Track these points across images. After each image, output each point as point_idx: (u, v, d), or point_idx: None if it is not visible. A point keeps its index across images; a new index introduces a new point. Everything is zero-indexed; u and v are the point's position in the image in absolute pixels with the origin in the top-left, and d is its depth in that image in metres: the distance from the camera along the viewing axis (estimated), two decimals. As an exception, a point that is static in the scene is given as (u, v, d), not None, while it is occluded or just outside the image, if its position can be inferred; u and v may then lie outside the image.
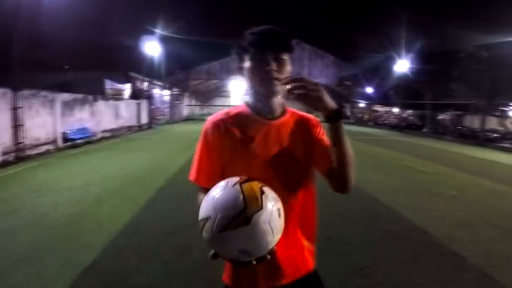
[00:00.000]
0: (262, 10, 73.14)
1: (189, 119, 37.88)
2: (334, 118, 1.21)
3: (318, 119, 1.44)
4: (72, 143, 13.38)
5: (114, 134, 18.17)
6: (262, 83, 1.26)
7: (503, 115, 27.95)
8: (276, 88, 1.25)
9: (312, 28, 72.97)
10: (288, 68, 1.29)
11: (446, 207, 6.23)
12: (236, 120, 1.35)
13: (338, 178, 1.29)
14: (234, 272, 1.38)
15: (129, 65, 26.65)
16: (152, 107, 25.67)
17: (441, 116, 30.74)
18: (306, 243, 1.43)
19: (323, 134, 1.39)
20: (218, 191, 1.07)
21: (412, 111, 36.47)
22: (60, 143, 12.91)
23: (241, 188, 1.05)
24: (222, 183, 1.10)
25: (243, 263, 1.05)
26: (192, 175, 1.39)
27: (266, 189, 1.08)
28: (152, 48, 27.59)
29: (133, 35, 27.55)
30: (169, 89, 33.01)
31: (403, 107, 33.19)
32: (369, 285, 3.45)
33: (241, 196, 1.02)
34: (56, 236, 4.48)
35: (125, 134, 19.12)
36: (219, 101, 54.97)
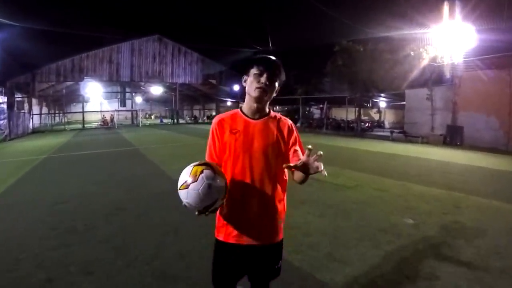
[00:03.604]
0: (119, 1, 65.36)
1: (38, 131, 30.44)
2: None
3: (293, 124, 1.99)
4: None
5: None
6: (255, 91, 1.81)
7: (373, 106, 28.53)
8: (263, 97, 1.83)
9: (175, 22, 67.31)
10: (276, 88, 1.87)
11: (439, 261, 3.51)
12: (231, 119, 1.92)
13: (298, 183, 1.79)
14: (226, 230, 1.89)
15: None
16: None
17: (315, 110, 30.31)
18: (278, 219, 1.94)
19: (296, 142, 1.93)
20: (186, 168, 1.69)
21: (280, 107, 35.66)
22: None
23: (192, 168, 1.66)
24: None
25: (193, 211, 1.65)
26: (206, 159, 1.94)
27: (206, 170, 1.63)
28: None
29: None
30: (7, 94, 25.97)
31: (273, 103, 31.89)
32: None
33: (189, 172, 1.64)
34: None
35: None
36: (75, 107, 47.60)
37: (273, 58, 1.89)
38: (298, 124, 27.81)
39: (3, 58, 25.19)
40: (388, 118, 31.46)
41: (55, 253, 4.02)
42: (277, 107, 35.98)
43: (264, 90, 1.80)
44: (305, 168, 1.60)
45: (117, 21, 57.10)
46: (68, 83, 37.43)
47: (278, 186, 1.91)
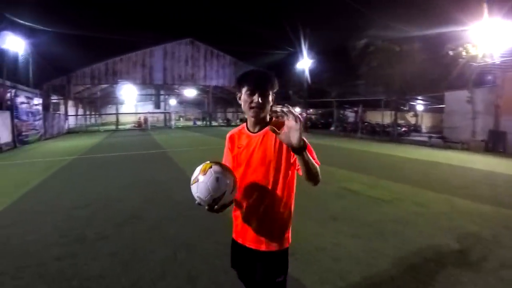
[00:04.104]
0: (149, 4, 65.69)
1: (73, 132, 31.25)
2: (299, 151, 1.58)
3: None
4: None
5: None
6: (250, 110, 1.86)
7: (409, 110, 27.25)
8: (259, 115, 1.86)
9: (207, 24, 66.94)
10: (270, 100, 1.87)
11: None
12: (238, 135, 2.04)
13: (308, 180, 1.72)
14: (236, 230, 2.03)
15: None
16: (16, 120, 19.70)
17: (349, 113, 29.27)
18: (277, 228, 1.91)
19: None
20: (198, 166, 1.78)
21: (313, 110, 34.83)
22: None
23: (202, 165, 1.74)
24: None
25: (204, 206, 1.70)
26: None
27: (215, 166, 1.72)
28: (14, 44, 21.41)
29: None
30: (43, 96, 26.57)
31: (306, 106, 31.00)
32: None
33: (199, 168, 1.73)
34: None
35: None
36: (111, 109, 48.46)
37: (263, 72, 1.92)
38: (332, 128, 26.91)
39: (38, 62, 25.94)
40: (425, 122, 30.08)
41: (59, 264, 3.76)
42: (311, 110, 35.16)
43: (259, 108, 1.84)
44: (288, 136, 1.57)
45: (150, 25, 57.71)
46: (103, 85, 38.19)
47: (281, 195, 1.90)
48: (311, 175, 1.68)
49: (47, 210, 5.91)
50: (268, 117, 1.94)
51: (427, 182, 7.95)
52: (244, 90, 1.86)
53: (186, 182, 6.14)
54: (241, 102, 1.91)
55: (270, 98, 1.87)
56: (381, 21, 20.31)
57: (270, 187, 1.87)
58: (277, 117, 1.89)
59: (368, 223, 5.08)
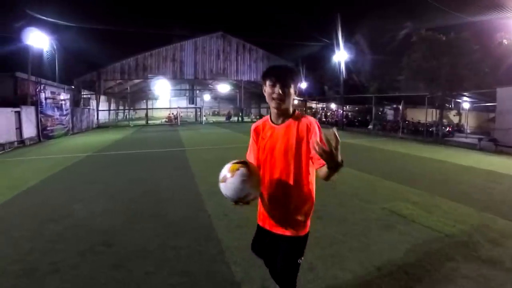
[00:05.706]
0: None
1: (103, 127, 31.17)
2: (334, 169, 1.71)
3: (313, 122, 2.04)
4: None
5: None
6: (272, 101, 2.03)
7: (453, 107, 25.02)
8: (281, 106, 2.02)
9: (239, 17, 65.61)
10: (292, 93, 2.04)
11: None
12: (262, 126, 2.20)
13: (322, 178, 1.92)
14: (263, 218, 2.20)
15: (12, 63, 20.59)
16: (41, 115, 19.46)
17: (388, 111, 27.30)
18: (300, 215, 2.07)
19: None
20: (227, 164, 1.95)
21: (350, 106, 33.19)
22: None
23: (231, 164, 1.90)
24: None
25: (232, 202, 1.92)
26: (247, 156, 2.30)
27: (242, 168, 1.86)
28: (39, 40, 21.25)
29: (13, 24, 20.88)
30: (73, 91, 26.50)
31: (343, 102, 29.24)
32: None
33: (229, 168, 1.88)
34: None
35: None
36: (145, 104, 48.41)
37: (284, 66, 2.11)
38: (370, 127, 24.94)
39: (66, 58, 25.97)
40: (469, 122, 27.54)
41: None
42: (347, 106, 33.27)
43: (280, 100, 2.01)
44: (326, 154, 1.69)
45: (180, 19, 57.40)
46: (136, 81, 38.11)
47: (302, 185, 2.06)
48: (328, 180, 1.88)
49: (21, 221, 5.12)
50: (291, 110, 2.12)
51: (493, 203, 6.19)
52: (267, 83, 2.06)
53: (189, 194, 4.84)
54: (265, 94, 2.09)
55: (292, 90, 2.05)
56: (426, 6, 18.38)
57: (292, 177, 2.03)
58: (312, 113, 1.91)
59: (431, 278, 3.38)
